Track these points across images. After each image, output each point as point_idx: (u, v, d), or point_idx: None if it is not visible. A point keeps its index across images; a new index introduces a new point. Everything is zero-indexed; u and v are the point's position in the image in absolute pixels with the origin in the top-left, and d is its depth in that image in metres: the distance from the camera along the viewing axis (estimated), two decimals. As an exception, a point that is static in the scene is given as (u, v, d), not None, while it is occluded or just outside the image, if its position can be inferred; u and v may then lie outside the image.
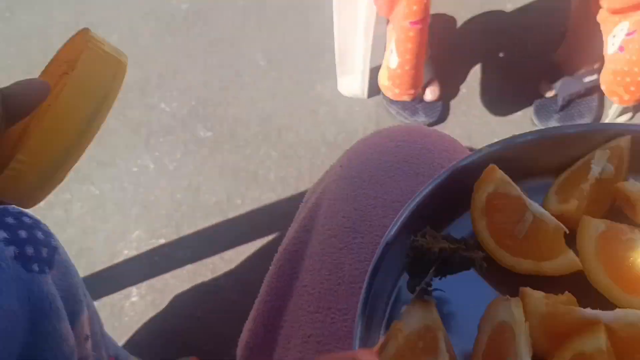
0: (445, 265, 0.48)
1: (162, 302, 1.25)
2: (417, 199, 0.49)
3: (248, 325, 0.59)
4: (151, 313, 1.24)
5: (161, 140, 1.46)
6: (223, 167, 1.40)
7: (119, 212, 1.36)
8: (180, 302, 1.25)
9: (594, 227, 0.47)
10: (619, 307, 0.45)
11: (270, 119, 1.48)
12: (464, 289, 0.48)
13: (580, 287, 0.48)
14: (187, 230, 1.34)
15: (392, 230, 0.46)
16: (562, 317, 0.42)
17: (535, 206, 0.48)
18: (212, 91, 1.54)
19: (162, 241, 1.32)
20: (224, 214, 1.34)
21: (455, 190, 0.51)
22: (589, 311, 0.42)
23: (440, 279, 0.48)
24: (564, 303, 0.43)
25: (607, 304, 0.45)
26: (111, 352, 0.93)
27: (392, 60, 1.29)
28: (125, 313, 1.24)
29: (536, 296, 0.43)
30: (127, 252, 1.31)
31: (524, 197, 0.48)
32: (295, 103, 1.51)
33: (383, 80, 1.37)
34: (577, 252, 0.47)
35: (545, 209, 0.51)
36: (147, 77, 1.57)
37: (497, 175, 0.49)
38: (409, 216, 0.48)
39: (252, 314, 0.59)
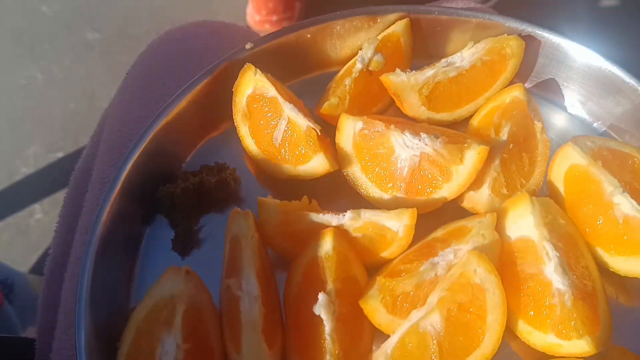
0: (203, 200, 0.46)
1: (67, 216, 1.23)
2: (162, 118, 0.45)
3: (54, 240, 0.57)
4: (57, 227, 1.23)
5: (47, 48, 1.36)
6: (116, 69, 1.31)
7: (11, 129, 1.30)
8: (85, 214, 1.23)
9: (350, 125, 0.44)
10: (376, 207, 0.44)
11: (162, 13, 1.38)
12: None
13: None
14: (85, 140, 1.28)
15: (125, 165, 0.43)
16: (295, 223, 0.41)
17: (290, 108, 0.45)
18: (96, -13, 1.42)
19: (60, 155, 1.27)
20: (120, 121, 1.28)
21: (220, 95, 0.48)
22: (320, 216, 0.41)
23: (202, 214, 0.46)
24: (300, 208, 0.41)
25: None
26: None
27: None
28: (32, 231, 1.23)
29: (270, 205, 0.41)
30: (25, 169, 1.27)
31: (280, 98, 0.45)
32: (187, -7, 1.40)
33: None
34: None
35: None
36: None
37: (252, 75, 0.45)
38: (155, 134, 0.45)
39: (57, 227, 0.57)
